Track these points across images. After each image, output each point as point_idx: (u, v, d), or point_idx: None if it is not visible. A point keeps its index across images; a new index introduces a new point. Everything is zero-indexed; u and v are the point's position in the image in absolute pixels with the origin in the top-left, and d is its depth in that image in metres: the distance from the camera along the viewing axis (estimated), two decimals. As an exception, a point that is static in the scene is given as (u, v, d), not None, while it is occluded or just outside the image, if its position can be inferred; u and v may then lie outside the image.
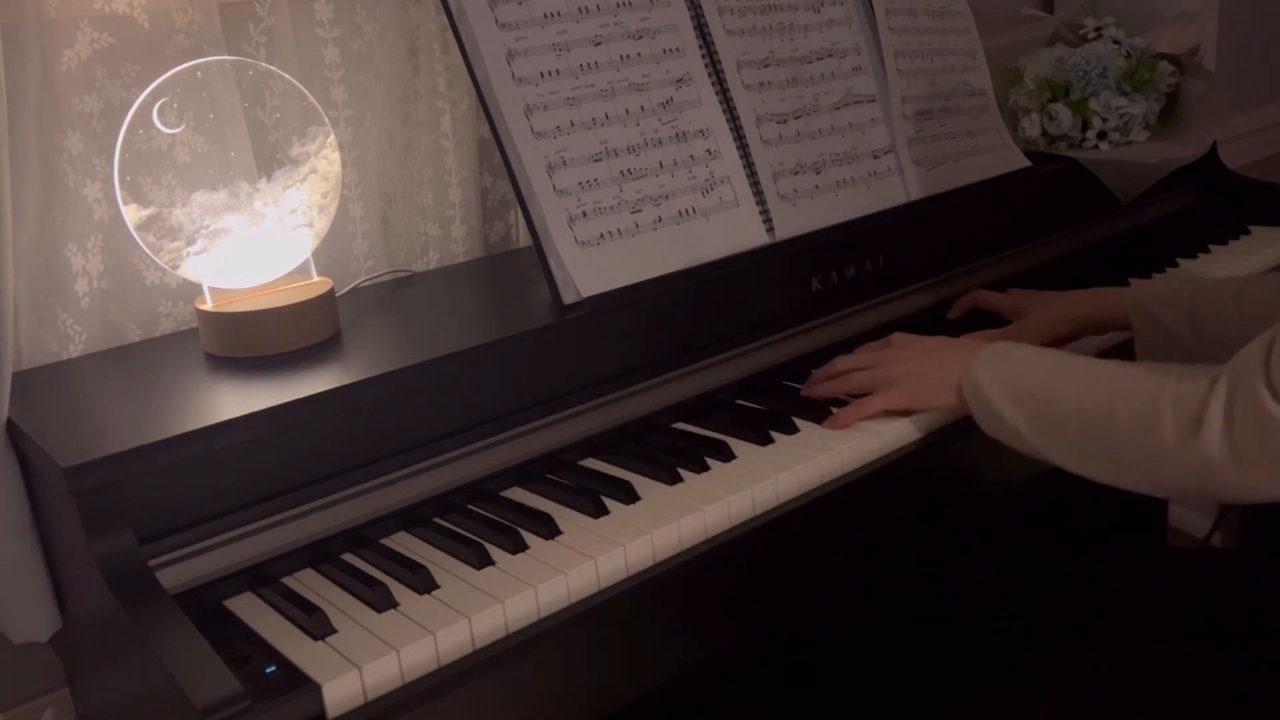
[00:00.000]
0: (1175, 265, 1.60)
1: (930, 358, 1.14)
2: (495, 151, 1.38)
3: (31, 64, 1.10)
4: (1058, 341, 1.30)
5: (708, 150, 1.21)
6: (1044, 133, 1.70)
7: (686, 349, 1.18)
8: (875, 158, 1.36)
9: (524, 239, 1.51)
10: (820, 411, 1.15)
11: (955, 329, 1.34)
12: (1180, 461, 0.94)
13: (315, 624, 0.85)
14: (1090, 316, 1.30)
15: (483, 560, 0.92)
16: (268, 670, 0.81)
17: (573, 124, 1.13)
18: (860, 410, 1.12)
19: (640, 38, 1.19)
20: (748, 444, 1.10)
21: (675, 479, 1.04)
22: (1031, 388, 1.04)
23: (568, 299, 1.11)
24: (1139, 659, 1.09)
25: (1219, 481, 0.93)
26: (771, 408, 1.18)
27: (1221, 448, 0.91)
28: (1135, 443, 0.96)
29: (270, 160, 1.16)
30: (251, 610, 0.90)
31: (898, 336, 1.19)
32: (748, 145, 1.25)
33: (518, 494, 1.06)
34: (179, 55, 1.18)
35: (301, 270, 1.14)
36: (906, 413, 1.13)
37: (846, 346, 1.32)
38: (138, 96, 1.06)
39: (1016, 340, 1.29)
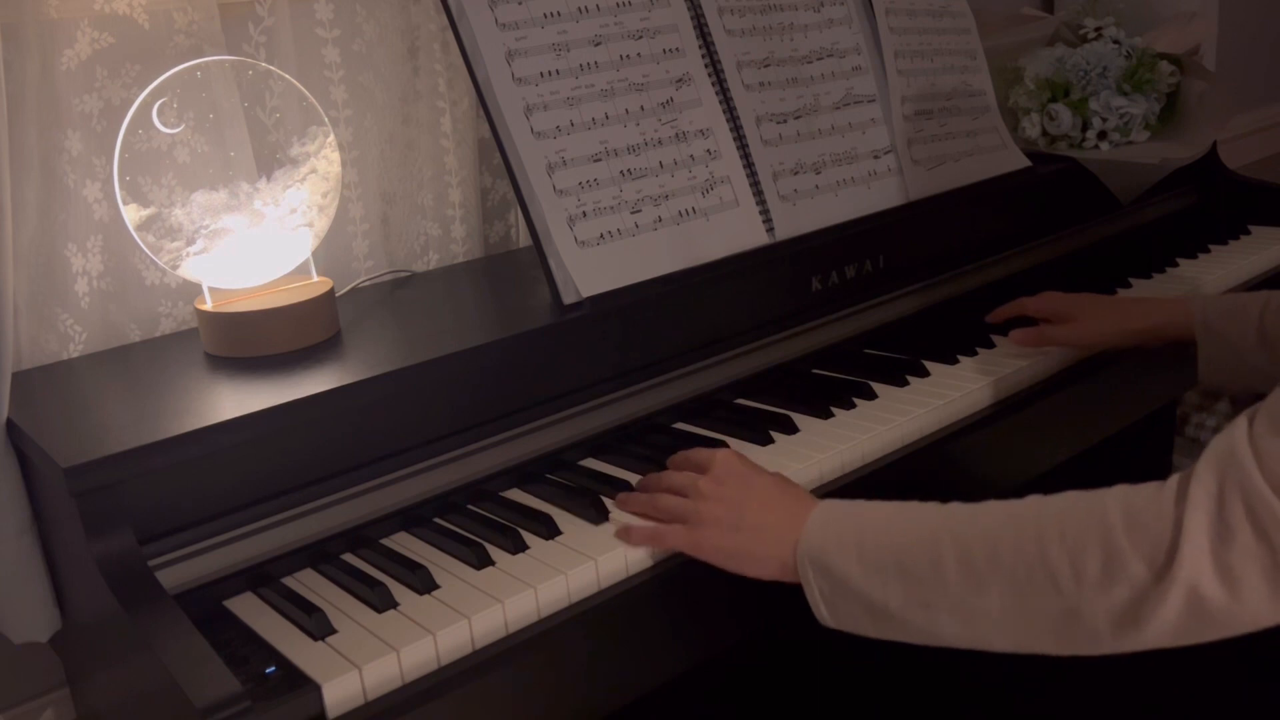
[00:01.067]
0: (1175, 265, 1.60)
1: (755, 519, 0.91)
2: (495, 151, 1.38)
3: (31, 64, 1.10)
4: (1111, 350, 1.25)
5: (708, 150, 1.21)
6: (1044, 133, 1.70)
7: (686, 349, 1.18)
8: (875, 158, 1.36)
9: (524, 239, 1.51)
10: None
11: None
12: (1157, 603, 0.71)
13: (315, 624, 0.85)
14: (1151, 330, 1.23)
15: (483, 560, 0.92)
16: (268, 670, 0.81)
17: (573, 124, 1.13)
18: (654, 540, 0.93)
19: (640, 38, 1.19)
20: (748, 444, 1.10)
21: (675, 479, 1.04)
22: (908, 555, 0.81)
23: (568, 299, 1.11)
24: (1139, 659, 1.08)
25: (1215, 622, 0.71)
26: (772, 408, 1.18)
27: (1213, 578, 0.70)
28: (1092, 592, 0.74)
29: (270, 160, 1.16)
30: (251, 610, 0.90)
31: (723, 462, 0.95)
32: (748, 145, 1.25)
33: (518, 494, 1.06)
34: (179, 55, 1.18)
35: (301, 270, 1.14)
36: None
37: (846, 347, 1.32)
38: (138, 96, 1.06)
39: (1069, 340, 1.25)
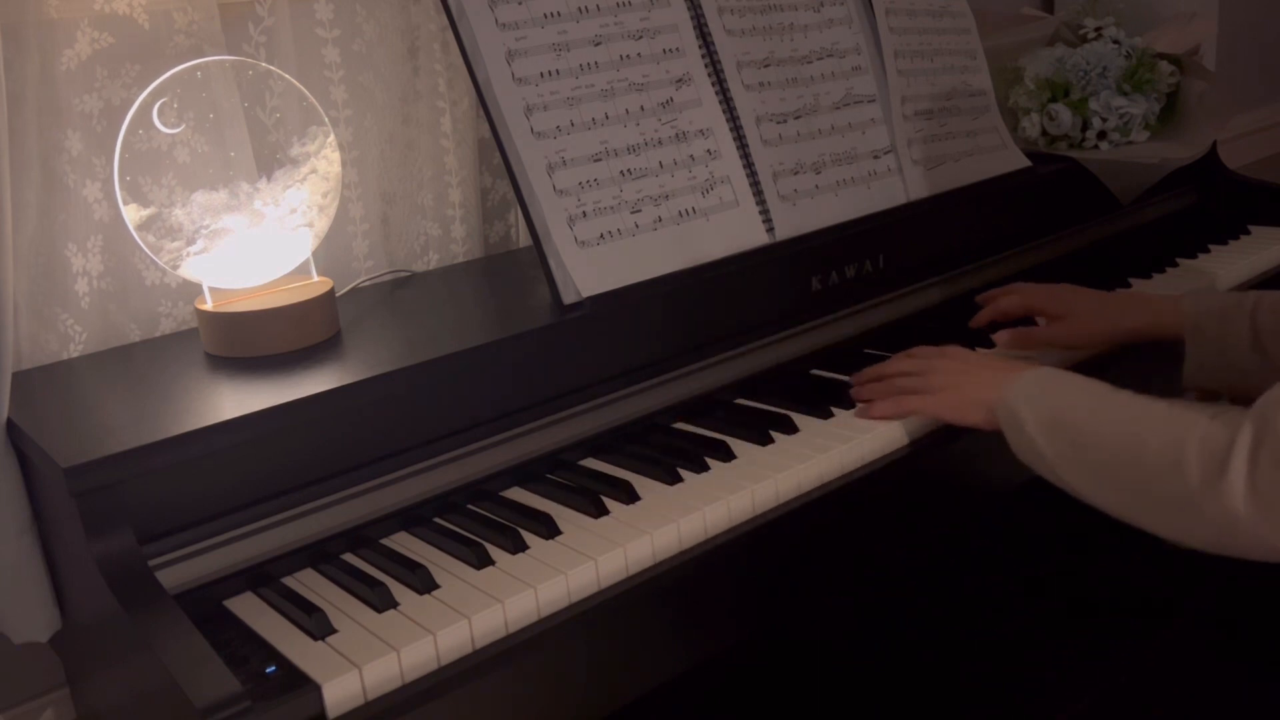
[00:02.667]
0: (1175, 265, 1.60)
1: (973, 374, 1.11)
2: (495, 151, 1.38)
3: (31, 64, 1.10)
4: (1101, 349, 1.26)
5: (708, 150, 1.21)
6: (1044, 133, 1.70)
7: (686, 349, 1.18)
8: (875, 158, 1.36)
9: (524, 239, 1.51)
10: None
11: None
12: (1203, 509, 0.87)
13: (315, 624, 0.85)
14: (1140, 330, 1.24)
15: (483, 560, 0.92)
16: (268, 670, 0.81)
17: (573, 124, 1.13)
18: (896, 407, 1.12)
19: (640, 38, 1.19)
20: (748, 444, 1.10)
21: (675, 479, 1.04)
22: (1067, 420, 1.00)
23: (568, 299, 1.11)
24: (1140, 659, 1.08)
25: (1243, 535, 0.85)
26: (772, 408, 1.18)
27: (1246, 498, 0.84)
28: (1160, 484, 0.91)
29: (270, 160, 1.16)
30: (251, 610, 0.90)
31: (951, 349, 1.17)
32: (748, 145, 1.25)
33: (518, 494, 1.06)
34: (179, 55, 1.18)
35: (301, 270, 1.14)
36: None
37: (846, 346, 1.32)
38: (138, 96, 1.06)
39: (1056, 340, 1.26)
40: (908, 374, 1.15)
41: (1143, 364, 1.27)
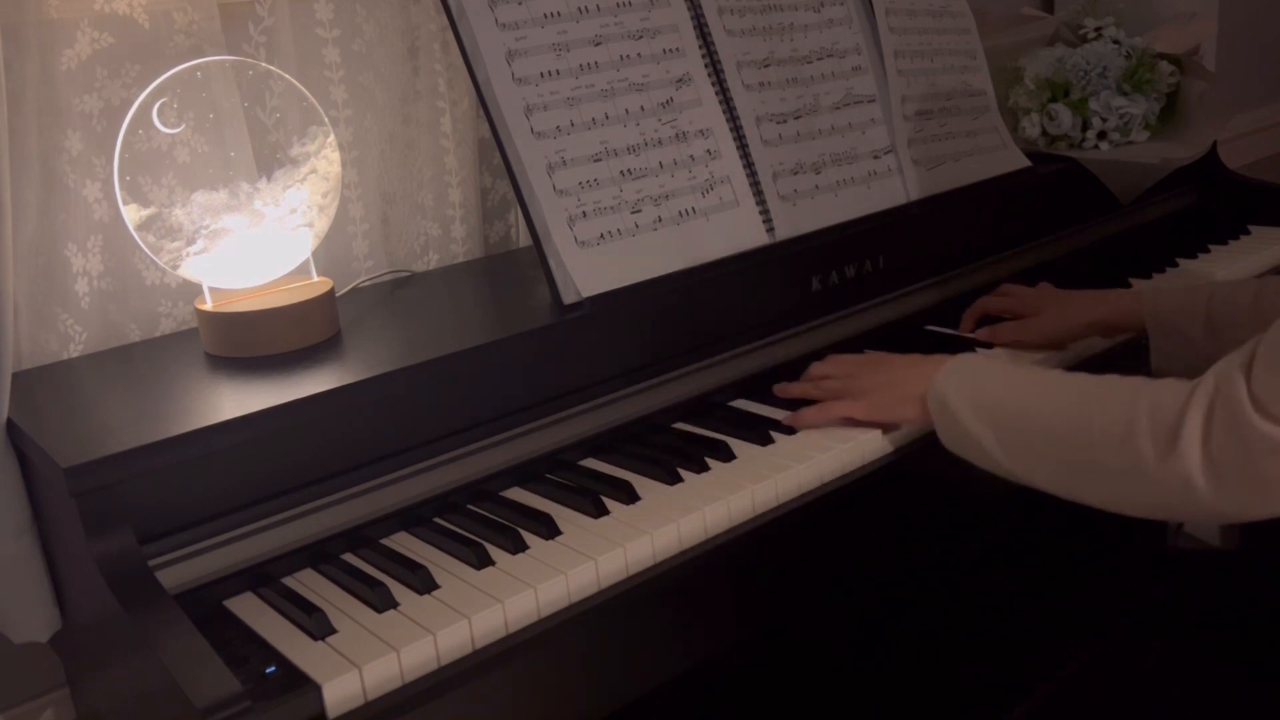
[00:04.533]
0: (1175, 265, 1.60)
1: (899, 373, 1.12)
2: (495, 151, 1.38)
3: (31, 64, 1.10)
4: (1066, 343, 1.29)
5: (708, 150, 1.21)
6: (1044, 133, 1.70)
7: (686, 349, 1.18)
8: (875, 158, 1.36)
9: (524, 239, 1.51)
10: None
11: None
12: (1158, 479, 0.87)
13: (315, 624, 0.85)
14: (1105, 322, 1.28)
15: (483, 560, 0.92)
16: (268, 670, 0.81)
17: (573, 124, 1.13)
18: (823, 412, 1.12)
19: (640, 38, 1.19)
20: (748, 444, 1.10)
21: (675, 479, 1.04)
22: (1000, 401, 1.00)
23: (568, 299, 1.11)
24: (1139, 659, 1.08)
25: (1198, 502, 0.86)
26: (771, 408, 1.18)
27: (1200, 464, 0.85)
28: (1110, 459, 0.91)
29: (270, 160, 1.16)
30: (251, 610, 0.90)
31: (873, 353, 1.18)
32: (748, 145, 1.25)
33: (518, 494, 1.06)
34: (179, 55, 1.18)
35: (301, 270, 1.14)
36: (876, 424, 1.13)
37: (847, 347, 1.32)
38: (138, 96, 1.06)
39: (1025, 338, 1.29)
40: (833, 377, 1.16)
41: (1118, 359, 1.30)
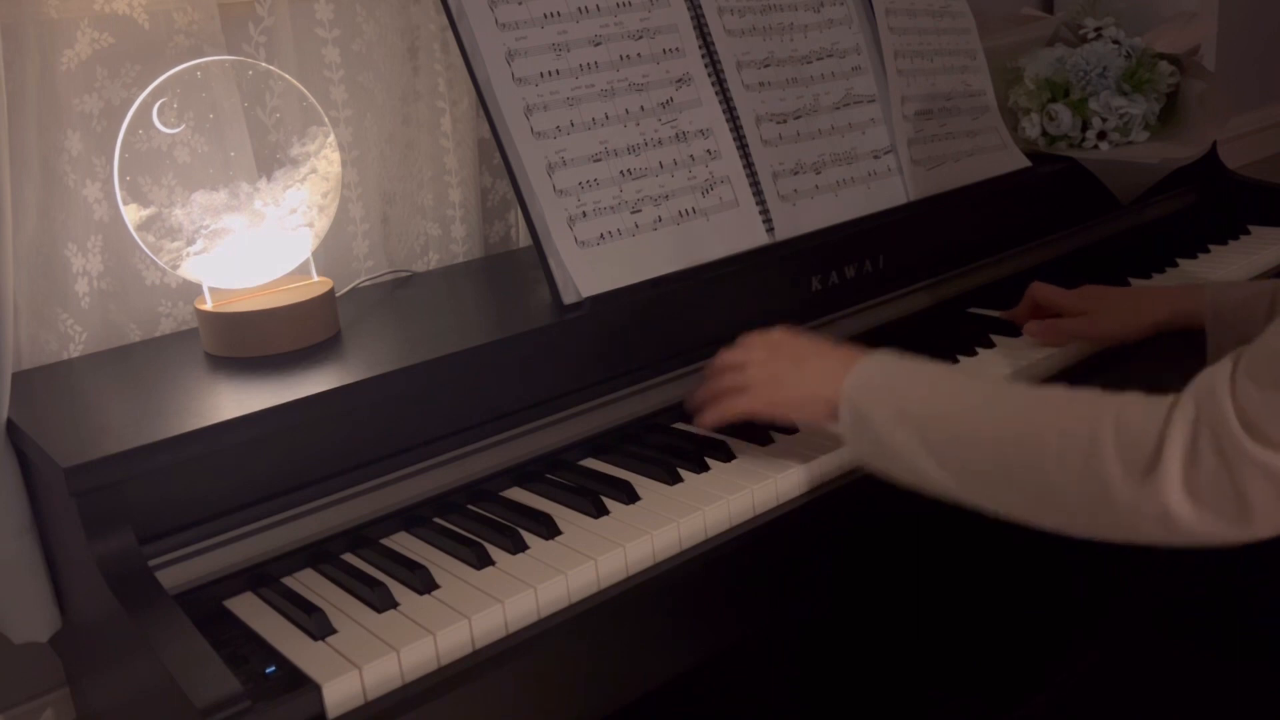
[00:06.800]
0: (1175, 265, 1.60)
1: (802, 364, 1.02)
2: (495, 151, 1.38)
3: (31, 64, 1.10)
4: (1126, 341, 1.26)
5: (708, 150, 1.21)
6: (1044, 133, 1.70)
7: (686, 349, 1.18)
8: (875, 158, 1.36)
9: (524, 239, 1.51)
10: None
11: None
12: (1129, 504, 0.79)
13: (315, 624, 0.85)
14: (1167, 322, 1.23)
15: (483, 560, 0.92)
16: (268, 670, 0.81)
17: (573, 124, 1.13)
18: (718, 414, 1.05)
19: (640, 38, 1.19)
20: (748, 444, 1.10)
21: (675, 479, 1.04)
22: (930, 410, 0.90)
23: (568, 299, 1.11)
24: (1138, 659, 1.08)
25: (1175, 530, 0.79)
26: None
27: (1182, 492, 0.77)
28: (1067, 479, 0.82)
29: (270, 160, 1.16)
30: (251, 610, 0.90)
31: (777, 333, 1.07)
32: (748, 145, 1.25)
33: (518, 494, 1.06)
34: (179, 55, 1.18)
35: (301, 270, 1.14)
36: None
37: (846, 346, 1.32)
38: (138, 96, 1.06)
39: (1083, 333, 1.25)
40: (731, 367, 1.06)
41: (1161, 359, 1.28)
